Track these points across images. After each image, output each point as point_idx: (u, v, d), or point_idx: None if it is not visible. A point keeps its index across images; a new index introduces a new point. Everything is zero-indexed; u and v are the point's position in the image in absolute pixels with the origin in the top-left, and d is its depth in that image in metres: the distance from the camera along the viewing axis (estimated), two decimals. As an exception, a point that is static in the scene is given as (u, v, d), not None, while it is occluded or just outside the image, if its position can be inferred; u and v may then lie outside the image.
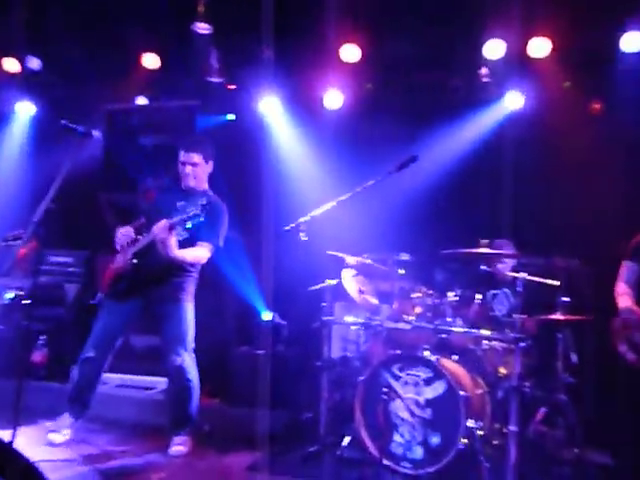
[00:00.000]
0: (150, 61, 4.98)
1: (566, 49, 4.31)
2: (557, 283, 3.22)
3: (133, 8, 4.38)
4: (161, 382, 4.12)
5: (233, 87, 5.17)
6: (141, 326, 4.29)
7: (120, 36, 4.76)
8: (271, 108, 5.10)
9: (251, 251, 4.42)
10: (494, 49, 4.50)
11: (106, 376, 3.86)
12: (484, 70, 4.63)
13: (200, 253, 3.28)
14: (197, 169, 3.35)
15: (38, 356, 4.38)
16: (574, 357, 3.22)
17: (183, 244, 3.19)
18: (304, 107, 5.05)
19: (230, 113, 5.24)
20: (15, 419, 2.19)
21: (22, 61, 5.08)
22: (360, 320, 3.68)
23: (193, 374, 3.34)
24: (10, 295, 4.49)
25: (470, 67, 4.66)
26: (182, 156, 3.35)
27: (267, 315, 4.09)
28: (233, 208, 4.57)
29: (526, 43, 4.40)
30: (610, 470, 3.25)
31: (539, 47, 4.39)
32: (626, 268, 3.32)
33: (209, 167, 3.43)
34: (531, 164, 4.44)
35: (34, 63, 5.11)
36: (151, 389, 4.19)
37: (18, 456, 1.87)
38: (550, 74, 4.41)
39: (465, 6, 4.20)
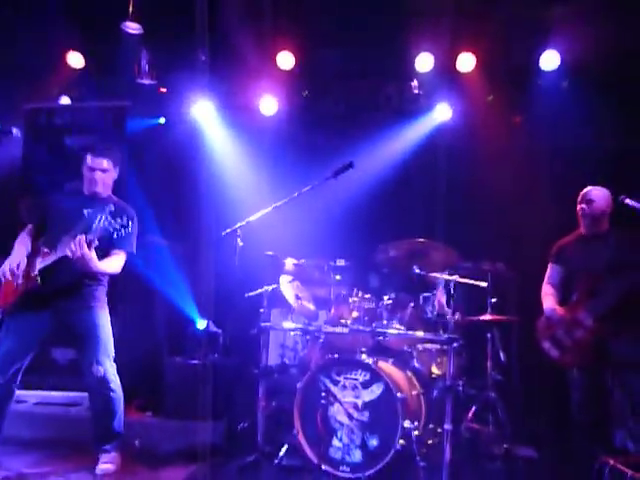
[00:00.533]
0: (75, 60, 4.75)
1: (490, 65, 4.57)
2: (484, 284, 3.36)
3: (59, 4, 4.16)
4: (86, 397, 3.87)
5: (164, 90, 5.04)
6: (63, 339, 4.04)
7: (43, 32, 4.50)
8: (204, 113, 5.01)
9: (186, 257, 4.30)
10: (424, 62, 4.68)
11: (23, 393, 3.59)
12: (415, 82, 4.81)
13: (118, 262, 3.17)
14: (106, 175, 3.24)
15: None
16: (502, 356, 3.37)
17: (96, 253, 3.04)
18: (239, 113, 5.00)
19: (161, 116, 5.09)
20: None
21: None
22: (298, 326, 3.65)
23: (116, 384, 3.19)
24: None
25: (402, 78, 4.82)
26: (90, 161, 3.21)
27: (201, 323, 3.97)
28: (166, 213, 4.45)
29: (454, 58, 4.62)
30: (535, 463, 3.42)
31: (465, 62, 4.62)
32: (551, 270, 3.53)
33: (116, 173, 3.33)
34: (459, 173, 4.64)
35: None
36: (76, 405, 3.93)
37: None
38: (475, 88, 4.64)
39: (398, 19, 4.34)
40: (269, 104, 5.01)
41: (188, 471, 3.21)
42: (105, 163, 3.21)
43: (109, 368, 3.15)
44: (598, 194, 3.33)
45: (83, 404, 3.80)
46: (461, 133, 4.87)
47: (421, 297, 4.01)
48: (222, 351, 3.90)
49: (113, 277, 3.24)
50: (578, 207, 3.38)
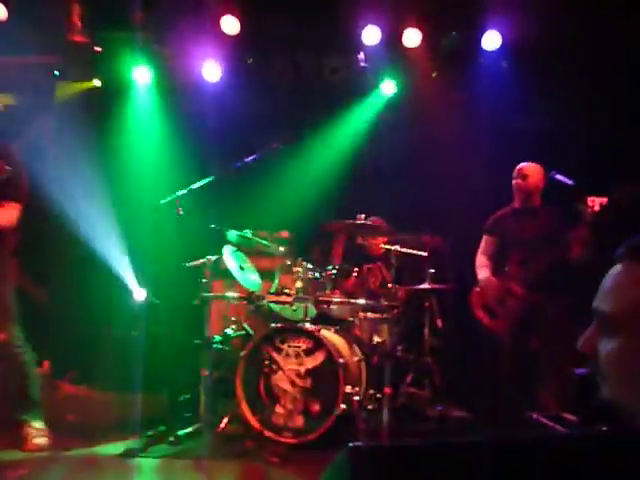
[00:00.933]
0: (-2, 10, 4.35)
1: (435, 42, 4.63)
2: (424, 254, 3.48)
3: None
4: None
5: (99, 50, 4.74)
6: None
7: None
8: (143, 76, 4.77)
9: (124, 225, 4.13)
10: (370, 35, 4.67)
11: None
12: (361, 55, 4.80)
13: (10, 213, 2.92)
14: None
15: None
16: (439, 323, 3.52)
17: None
18: (180, 77, 4.80)
19: (95, 78, 4.80)
20: None
21: None
22: (241, 296, 3.63)
23: (24, 348, 3.06)
24: None
25: (349, 50, 4.79)
26: None
27: (140, 293, 3.86)
28: (104, 180, 4.25)
29: (400, 32, 4.64)
30: (467, 422, 3.62)
31: (411, 37, 4.65)
32: (485, 241, 3.70)
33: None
34: (402, 147, 4.72)
35: None
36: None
37: None
38: (421, 64, 4.70)
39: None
40: (212, 70, 4.85)
41: (127, 444, 3.14)
42: None
43: (12, 331, 3.01)
44: (533, 169, 3.50)
45: None
46: (406, 108, 4.95)
47: (364, 267, 4.11)
48: (162, 322, 3.82)
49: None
50: (513, 182, 3.55)
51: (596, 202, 3.32)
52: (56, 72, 4.48)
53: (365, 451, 1.02)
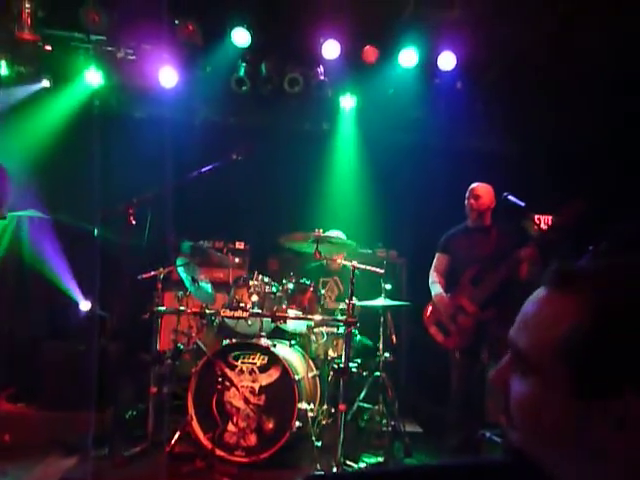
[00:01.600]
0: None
1: (392, 59, 4.71)
2: (381, 271, 3.50)
3: None
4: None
5: (49, 49, 4.53)
6: None
7: None
8: (94, 78, 4.60)
9: (69, 233, 3.94)
10: (330, 49, 4.70)
11: None
12: (321, 68, 4.83)
13: None
14: None
15: None
16: (394, 339, 3.55)
17: None
18: (134, 81, 4.66)
19: (45, 78, 4.59)
20: None
21: None
22: (194, 310, 3.54)
23: None
24: None
25: (309, 63, 4.81)
26: None
27: (84, 305, 3.68)
28: (49, 185, 4.05)
29: (360, 48, 4.70)
30: (420, 437, 3.67)
31: (370, 54, 4.72)
32: (438, 259, 3.77)
33: None
34: (361, 163, 4.78)
35: None
36: None
37: None
38: (379, 80, 4.77)
39: (307, 2, 4.31)
40: (169, 76, 4.73)
41: (68, 465, 2.98)
42: None
43: None
44: (484, 190, 3.60)
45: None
46: (363, 124, 5.01)
47: (320, 282, 4.10)
48: (110, 336, 3.66)
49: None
50: (466, 202, 3.64)
51: (543, 220, 3.45)
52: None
53: None
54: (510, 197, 3.27)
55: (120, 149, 4.25)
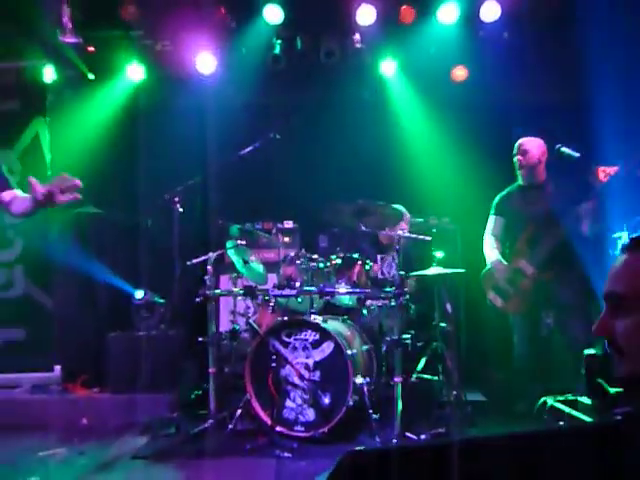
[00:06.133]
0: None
1: (431, 16, 4.47)
2: (429, 238, 3.39)
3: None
4: (28, 378, 3.73)
5: (92, 49, 4.69)
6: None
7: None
8: (136, 73, 4.71)
9: (123, 226, 4.11)
10: (365, 15, 4.53)
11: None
12: (357, 36, 4.67)
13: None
14: None
15: None
16: (449, 307, 3.43)
17: None
18: (173, 71, 4.73)
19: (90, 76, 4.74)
20: None
21: None
22: (245, 291, 3.59)
23: None
24: None
25: (344, 32, 4.66)
26: None
27: (139, 293, 3.83)
28: (99, 180, 4.22)
29: (396, 9, 4.50)
30: (483, 406, 3.55)
31: (407, 14, 4.51)
32: (492, 221, 3.59)
33: None
34: (401, 129, 4.61)
35: None
36: (18, 386, 3.77)
37: None
38: (419, 40, 4.55)
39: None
40: (206, 62, 4.76)
41: (139, 444, 3.15)
42: None
43: None
44: (532, 144, 3.37)
45: (24, 385, 3.66)
46: (406, 88, 4.81)
47: (369, 255, 4.03)
48: (168, 321, 3.80)
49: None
50: (514, 158, 3.42)
51: (606, 172, 3.18)
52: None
53: (362, 456, 0.97)
54: (563, 148, 3.04)
55: (164, 139, 4.33)
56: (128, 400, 3.55)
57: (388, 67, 4.78)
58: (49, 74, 4.39)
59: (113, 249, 3.96)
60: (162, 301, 3.67)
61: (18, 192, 2.65)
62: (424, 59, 4.66)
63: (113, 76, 4.72)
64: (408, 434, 3.01)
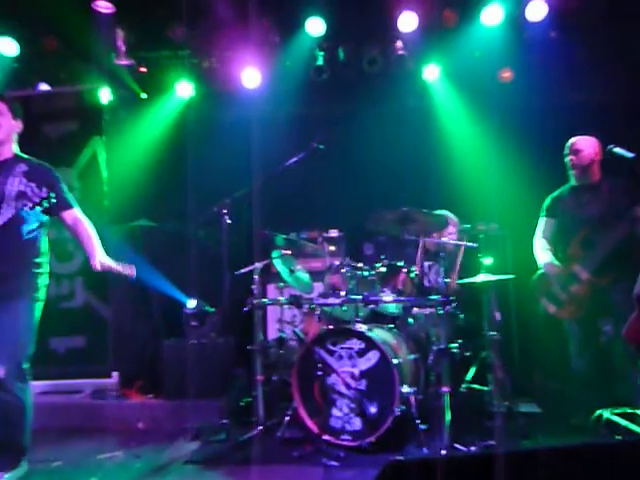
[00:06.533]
0: (47, 44, 4.62)
1: (474, 19, 4.41)
2: (474, 245, 3.33)
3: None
4: (88, 384, 3.93)
5: (144, 70, 4.92)
6: (60, 329, 4.08)
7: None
8: (185, 90, 4.90)
9: (174, 237, 4.27)
10: (407, 21, 4.53)
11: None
12: (399, 43, 4.67)
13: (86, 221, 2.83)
14: (3, 120, 2.70)
15: None
16: (498, 315, 3.34)
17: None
18: (220, 87, 4.88)
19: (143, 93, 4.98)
20: None
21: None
22: (291, 300, 3.63)
23: (19, 391, 2.62)
24: None
25: (386, 40, 4.68)
26: None
27: (191, 302, 3.96)
28: (151, 195, 4.41)
29: (439, 14, 4.46)
30: (537, 417, 3.42)
31: (450, 18, 4.47)
32: (543, 224, 3.48)
33: (17, 124, 2.78)
34: (447, 134, 4.55)
35: None
36: (78, 392, 3.98)
37: None
38: (462, 44, 4.49)
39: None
40: (251, 76, 4.89)
41: (192, 449, 3.24)
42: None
43: (13, 370, 2.60)
44: (585, 143, 3.24)
45: (85, 391, 3.85)
46: (450, 93, 4.76)
47: (414, 262, 3.99)
48: (218, 329, 3.90)
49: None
50: (566, 159, 3.31)
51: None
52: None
53: (403, 466, 0.97)
54: (616, 149, 2.90)
55: (212, 153, 4.47)
56: (180, 406, 3.66)
57: (431, 72, 4.75)
58: (105, 95, 4.64)
59: (165, 260, 4.11)
60: (212, 310, 3.78)
61: (78, 213, 2.83)
62: (469, 63, 4.60)
63: (164, 94, 4.93)
64: (457, 445, 2.95)
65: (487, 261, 3.51)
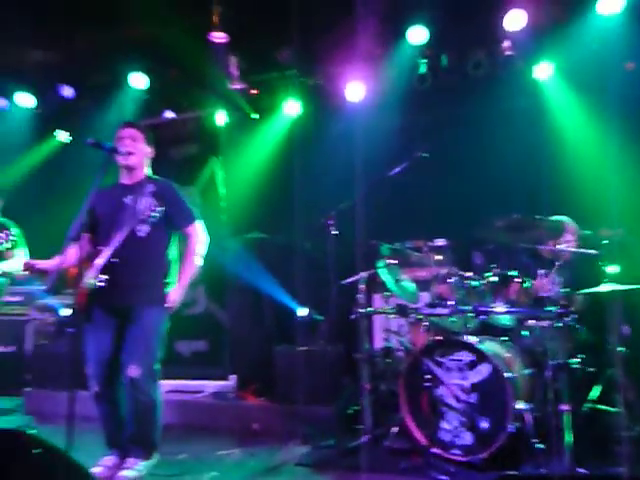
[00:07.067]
0: (171, 75, 5.12)
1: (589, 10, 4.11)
2: (594, 252, 3.07)
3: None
4: (209, 385, 4.24)
5: (255, 92, 5.24)
6: (185, 333, 4.45)
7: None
8: (293, 108, 5.13)
9: (284, 248, 4.48)
10: (514, 20, 4.35)
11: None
12: (506, 43, 4.49)
13: (202, 235, 3.05)
14: (137, 145, 2.95)
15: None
16: (626, 329, 3.05)
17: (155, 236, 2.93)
18: (328, 102, 5.05)
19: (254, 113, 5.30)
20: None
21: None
22: (397, 309, 3.63)
23: (150, 390, 2.85)
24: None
25: (491, 42, 4.53)
26: (118, 132, 2.95)
27: (302, 311, 4.11)
28: (262, 207, 4.66)
29: (547, 8, 4.23)
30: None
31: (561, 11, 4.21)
32: None
33: (149, 149, 3.06)
34: (564, 133, 4.26)
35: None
36: (201, 392, 4.31)
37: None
38: (577, 37, 4.20)
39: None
40: (355, 90, 4.99)
41: (302, 453, 3.36)
42: (133, 131, 2.95)
43: (147, 371, 2.82)
44: None
45: (206, 391, 4.16)
46: (565, 91, 4.47)
47: (528, 271, 3.78)
48: (327, 338, 4.01)
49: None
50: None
51: None
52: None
53: None
54: None
55: (319, 166, 4.63)
56: (291, 410, 3.80)
57: (543, 71, 4.50)
58: (221, 119, 5.02)
59: (277, 270, 4.33)
60: (321, 318, 3.90)
61: (196, 228, 3.09)
62: (586, 57, 4.28)
63: (273, 114, 5.22)
64: (580, 469, 2.73)
65: (612, 270, 3.23)
